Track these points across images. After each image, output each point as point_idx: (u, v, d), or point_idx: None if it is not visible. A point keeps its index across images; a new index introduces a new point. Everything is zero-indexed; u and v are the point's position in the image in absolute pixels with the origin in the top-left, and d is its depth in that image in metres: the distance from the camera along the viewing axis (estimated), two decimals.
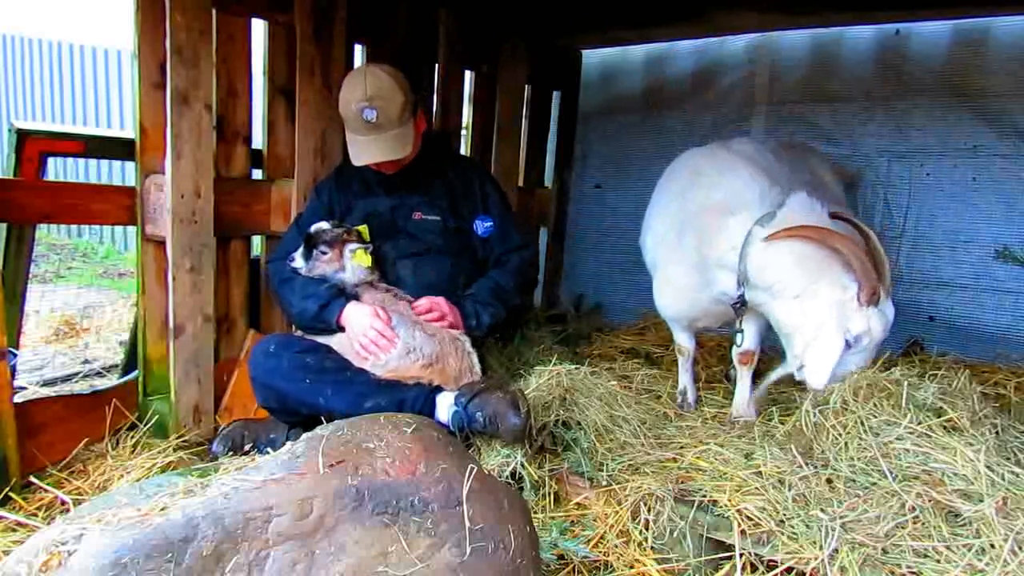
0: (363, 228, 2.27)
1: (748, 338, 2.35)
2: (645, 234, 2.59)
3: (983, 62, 3.10)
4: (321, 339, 2.17)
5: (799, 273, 2.00)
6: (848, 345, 1.92)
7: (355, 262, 2.19)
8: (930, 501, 1.64)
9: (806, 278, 1.98)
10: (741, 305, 2.15)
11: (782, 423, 2.12)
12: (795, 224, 2.00)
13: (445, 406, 1.97)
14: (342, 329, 2.16)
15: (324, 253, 2.19)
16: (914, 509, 1.62)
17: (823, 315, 1.94)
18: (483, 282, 2.37)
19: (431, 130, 2.57)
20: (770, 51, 3.58)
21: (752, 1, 3.07)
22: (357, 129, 2.17)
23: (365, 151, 2.17)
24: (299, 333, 2.28)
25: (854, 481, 1.75)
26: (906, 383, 1.96)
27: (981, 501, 1.61)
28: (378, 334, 2.10)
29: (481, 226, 2.41)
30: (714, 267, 2.20)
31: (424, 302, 2.20)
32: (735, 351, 2.41)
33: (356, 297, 2.20)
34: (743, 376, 2.40)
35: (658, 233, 2.50)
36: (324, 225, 2.23)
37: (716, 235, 2.17)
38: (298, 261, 2.22)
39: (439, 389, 2.02)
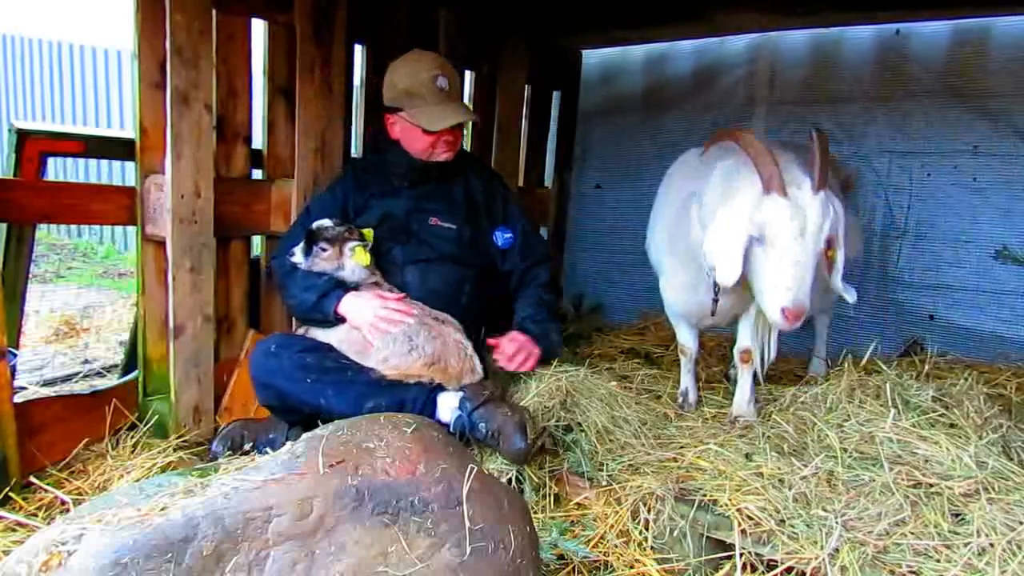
0: (368, 231, 2.24)
1: (747, 335, 2.35)
2: (649, 236, 2.61)
3: (983, 62, 3.10)
4: (321, 337, 2.17)
5: (722, 189, 2.01)
6: (755, 239, 1.86)
7: (354, 261, 2.18)
8: (911, 482, 1.69)
9: (726, 190, 1.99)
10: (717, 288, 2.13)
11: (777, 423, 2.12)
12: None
13: (447, 407, 1.97)
14: (340, 320, 2.14)
15: (324, 250, 2.17)
16: (913, 503, 1.63)
17: (728, 211, 1.92)
18: (533, 298, 2.35)
19: None
20: (770, 51, 3.59)
21: (752, 1, 3.07)
22: (429, 98, 2.20)
23: (443, 116, 2.19)
24: (301, 331, 2.28)
25: (837, 471, 1.79)
26: (888, 385, 2.02)
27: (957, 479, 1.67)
28: (392, 310, 2.11)
29: (501, 237, 2.39)
30: (698, 253, 2.19)
31: (510, 348, 2.16)
32: (736, 349, 2.41)
33: (356, 289, 2.19)
34: (744, 374, 2.39)
35: (659, 233, 2.51)
36: (326, 222, 2.21)
37: (692, 223, 2.19)
38: (298, 256, 2.20)
39: (440, 388, 2.02)
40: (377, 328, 2.09)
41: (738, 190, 1.93)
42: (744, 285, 2.04)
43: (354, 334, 2.13)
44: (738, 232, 1.88)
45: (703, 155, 2.11)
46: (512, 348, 2.17)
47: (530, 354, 2.18)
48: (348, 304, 2.13)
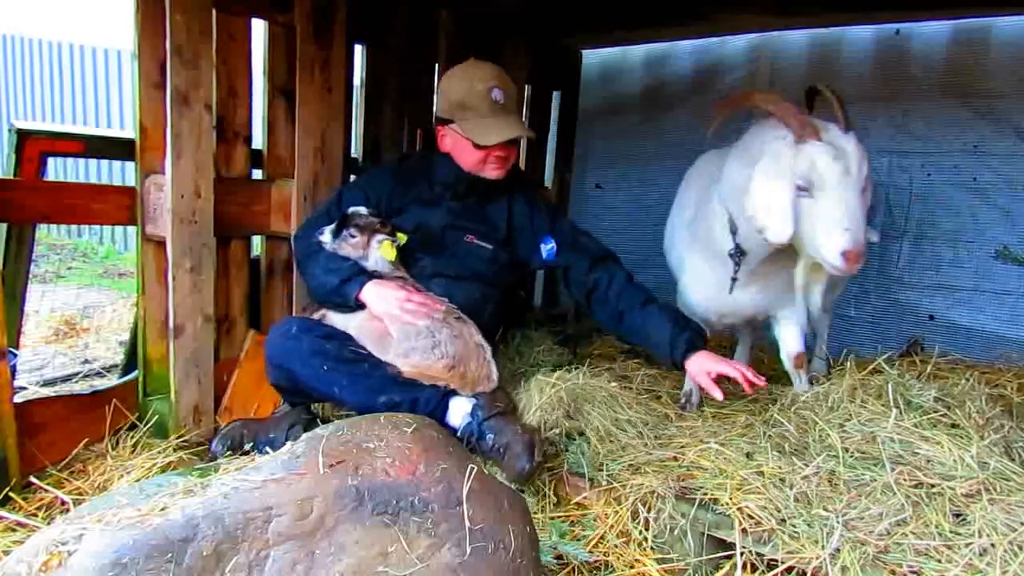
0: (402, 235, 2.21)
1: (794, 339, 2.32)
2: (668, 237, 2.60)
3: (983, 62, 3.10)
4: (339, 323, 2.14)
5: (744, 158, 1.98)
6: (801, 189, 1.84)
7: (379, 253, 2.15)
8: (913, 482, 1.69)
9: (751, 154, 1.96)
10: (740, 255, 2.11)
11: (779, 422, 2.12)
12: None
13: (459, 412, 1.95)
14: (361, 306, 2.10)
15: (353, 236, 2.14)
16: (914, 503, 1.63)
17: (765, 168, 1.88)
18: (647, 306, 2.20)
19: None
20: (770, 51, 3.59)
21: (752, 1, 3.07)
22: (483, 111, 2.13)
23: (497, 130, 2.12)
24: (317, 316, 2.24)
25: (838, 471, 1.79)
26: (890, 385, 2.01)
27: (959, 480, 1.67)
28: (417, 304, 2.05)
29: (545, 248, 2.30)
30: (717, 233, 2.19)
31: (742, 371, 2.00)
32: (785, 355, 2.35)
33: (379, 277, 2.15)
34: (800, 377, 2.38)
35: (679, 234, 2.51)
36: (362, 210, 2.19)
37: (714, 215, 2.20)
38: (326, 236, 2.16)
39: (453, 392, 2.01)
40: (400, 319, 2.05)
41: (769, 146, 1.91)
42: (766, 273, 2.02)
43: (372, 323, 2.10)
44: (783, 183, 1.85)
45: (713, 130, 2.10)
46: (738, 369, 1.99)
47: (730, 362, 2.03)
48: (370, 292, 2.08)
